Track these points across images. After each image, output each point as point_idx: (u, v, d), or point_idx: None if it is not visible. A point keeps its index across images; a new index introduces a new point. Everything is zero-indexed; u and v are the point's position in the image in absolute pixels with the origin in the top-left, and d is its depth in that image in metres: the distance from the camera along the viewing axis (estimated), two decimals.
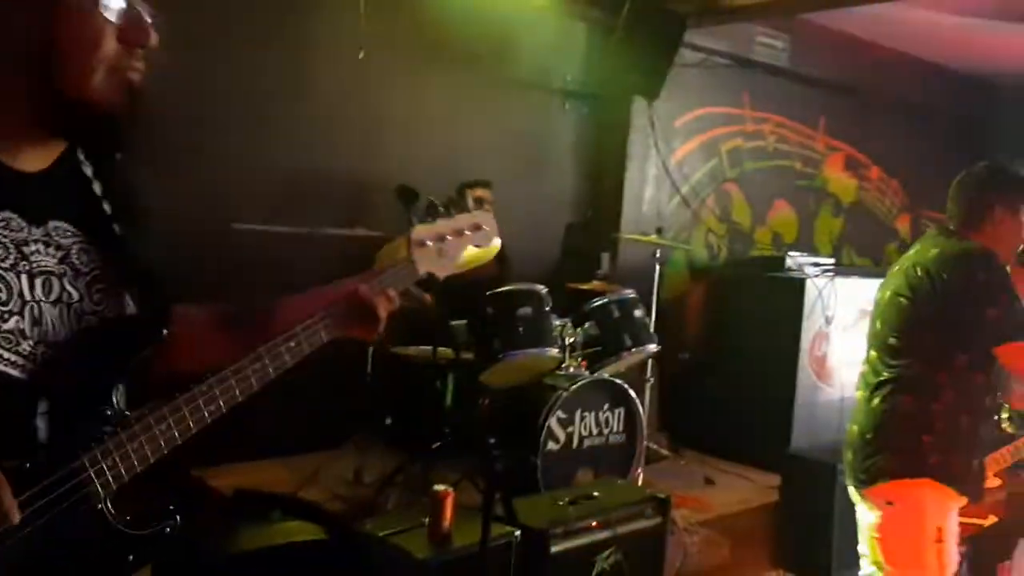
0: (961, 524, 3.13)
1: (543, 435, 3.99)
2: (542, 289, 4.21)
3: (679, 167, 6.55)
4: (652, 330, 4.69)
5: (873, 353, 2.85)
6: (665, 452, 5.35)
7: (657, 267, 4.95)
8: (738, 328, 5.92)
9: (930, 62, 8.06)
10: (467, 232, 1.53)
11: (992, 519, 3.49)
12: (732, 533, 4.49)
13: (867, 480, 2.73)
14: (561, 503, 3.39)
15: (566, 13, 5.82)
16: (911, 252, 2.88)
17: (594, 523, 3.33)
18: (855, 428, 2.84)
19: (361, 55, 4.71)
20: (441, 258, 1.51)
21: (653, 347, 4.54)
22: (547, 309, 4.18)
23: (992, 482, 3.36)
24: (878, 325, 2.85)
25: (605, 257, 5.89)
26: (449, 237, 1.51)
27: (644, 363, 4.99)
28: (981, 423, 2.74)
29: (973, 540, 3.49)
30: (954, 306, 2.63)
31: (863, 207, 8.10)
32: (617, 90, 5.91)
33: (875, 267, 7.62)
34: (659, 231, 5.12)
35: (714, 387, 5.86)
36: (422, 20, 5.08)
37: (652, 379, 5.01)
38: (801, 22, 7.01)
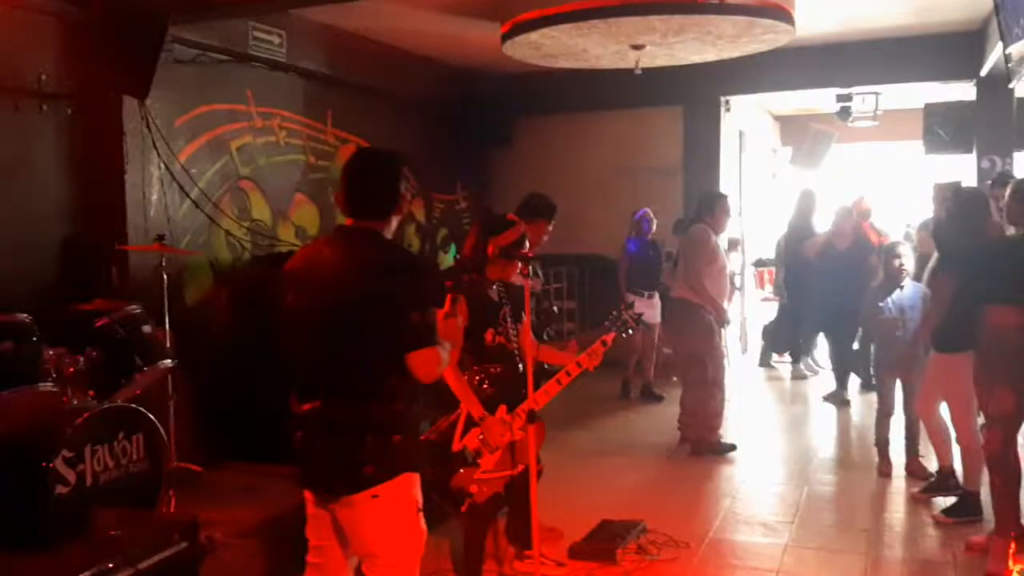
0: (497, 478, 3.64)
1: (47, 480, 3.57)
2: (25, 318, 3.75)
3: (186, 168, 6.26)
4: (168, 344, 4.43)
5: (325, 358, 2.73)
6: (199, 470, 5.11)
7: (165, 277, 4.67)
8: (266, 326, 5.83)
9: (419, 55, 8.66)
10: None
11: (520, 467, 3.84)
12: (275, 535, 4.43)
13: (353, 489, 2.65)
14: (70, 554, 3.07)
15: (31, 7, 5.20)
16: (341, 251, 2.75)
17: (110, 565, 3.06)
18: (322, 439, 2.72)
19: None
20: None
21: (168, 363, 4.30)
22: (35, 339, 3.73)
23: (518, 435, 3.72)
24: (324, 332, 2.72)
25: (113, 271, 5.43)
26: None
27: (165, 380, 4.70)
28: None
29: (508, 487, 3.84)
30: (395, 310, 2.63)
31: None
32: (101, 89, 5.45)
33: None
34: (160, 238, 4.83)
35: (250, 389, 5.73)
36: None
37: (176, 395, 4.74)
38: (295, 17, 7.06)
